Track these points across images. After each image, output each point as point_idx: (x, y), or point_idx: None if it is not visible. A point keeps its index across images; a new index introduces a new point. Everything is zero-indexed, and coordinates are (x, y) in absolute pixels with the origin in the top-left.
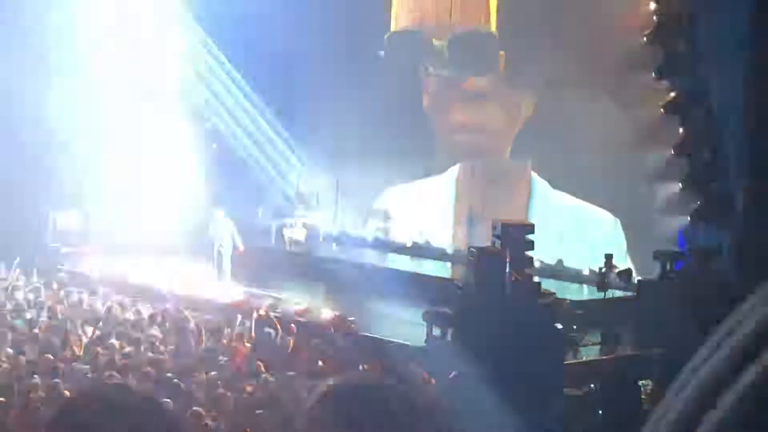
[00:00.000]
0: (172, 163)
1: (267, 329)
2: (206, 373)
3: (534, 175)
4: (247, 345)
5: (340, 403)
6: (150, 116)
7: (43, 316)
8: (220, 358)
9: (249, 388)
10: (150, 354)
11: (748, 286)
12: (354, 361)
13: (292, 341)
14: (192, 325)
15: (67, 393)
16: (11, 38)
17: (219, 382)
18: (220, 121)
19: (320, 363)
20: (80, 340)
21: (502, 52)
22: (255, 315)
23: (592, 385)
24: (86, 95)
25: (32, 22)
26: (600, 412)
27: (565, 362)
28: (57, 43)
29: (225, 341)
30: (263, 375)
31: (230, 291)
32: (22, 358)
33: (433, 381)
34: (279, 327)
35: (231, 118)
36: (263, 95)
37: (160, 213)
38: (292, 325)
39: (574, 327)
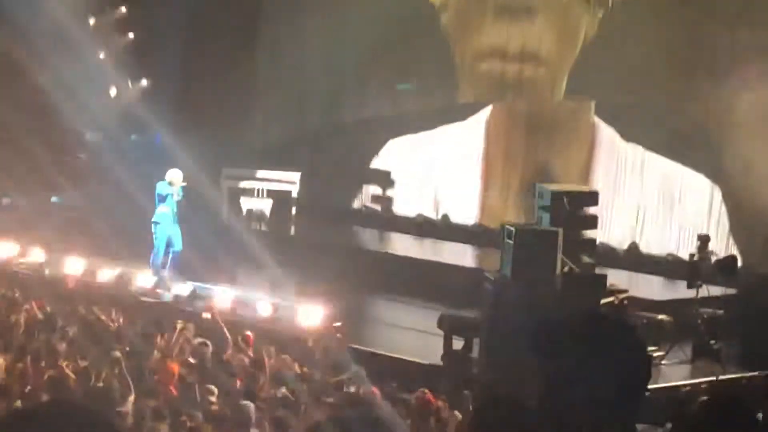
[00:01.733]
0: None
1: (212, 339)
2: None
3: (598, 122)
4: (186, 361)
5: None
6: None
7: None
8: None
9: (188, 422)
10: (51, 371)
11: None
12: (338, 386)
13: (248, 357)
14: (112, 331)
15: None
16: None
17: (146, 412)
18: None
19: (283, 390)
20: None
21: None
22: (195, 318)
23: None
24: None
25: None
26: None
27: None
28: None
29: (155, 355)
30: (209, 403)
31: (167, 285)
32: None
33: (456, 414)
34: (229, 337)
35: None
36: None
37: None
38: (249, 333)
39: (652, 338)
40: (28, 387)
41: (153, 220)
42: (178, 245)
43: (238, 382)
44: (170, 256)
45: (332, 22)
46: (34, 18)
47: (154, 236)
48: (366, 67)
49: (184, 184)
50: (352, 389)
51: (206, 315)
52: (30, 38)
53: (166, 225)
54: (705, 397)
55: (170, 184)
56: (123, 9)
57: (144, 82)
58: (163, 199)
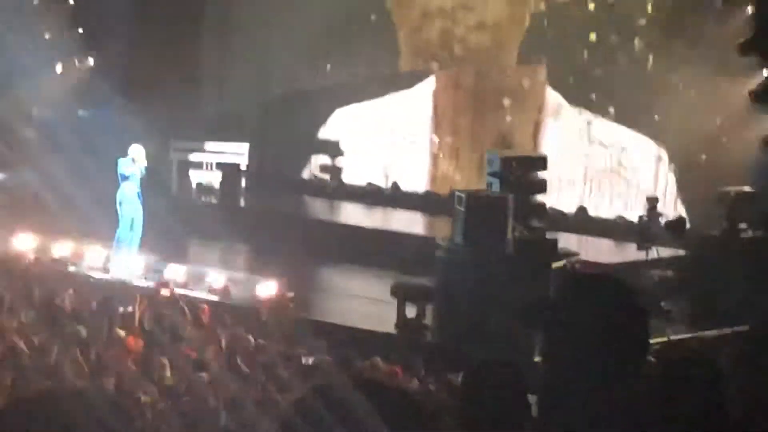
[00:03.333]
0: None
1: (169, 314)
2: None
3: (548, 88)
4: (141, 336)
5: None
6: None
7: None
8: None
9: (144, 397)
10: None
11: None
12: (292, 356)
13: (203, 330)
14: (66, 309)
15: None
16: None
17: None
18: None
19: (239, 360)
20: None
21: None
22: (151, 294)
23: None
24: None
25: None
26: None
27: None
28: None
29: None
30: (165, 378)
31: (121, 260)
32: None
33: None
34: (186, 310)
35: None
36: None
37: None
38: (205, 306)
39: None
40: None
41: (118, 198)
42: (139, 222)
43: (194, 355)
44: (134, 233)
45: None
46: None
47: (119, 214)
48: (311, 38)
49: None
50: (309, 361)
51: (164, 291)
52: None
53: (131, 203)
54: (658, 357)
55: (133, 161)
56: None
57: (90, 59)
58: (125, 177)
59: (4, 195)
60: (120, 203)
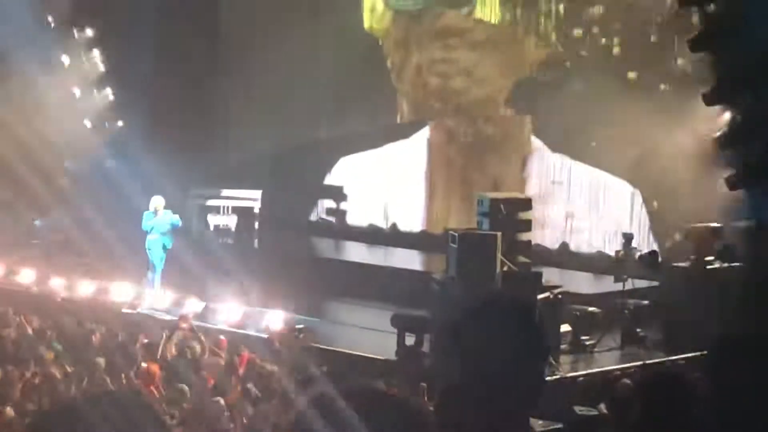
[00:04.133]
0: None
1: (189, 345)
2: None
3: (531, 136)
4: (163, 365)
5: None
6: None
7: None
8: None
9: (169, 420)
10: (39, 379)
11: None
12: (302, 380)
13: (221, 359)
14: (95, 341)
15: None
16: None
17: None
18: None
19: (251, 387)
20: None
21: None
22: (173, 327)
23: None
24: None
25: None
26: None
27: (575, 373)
28: None
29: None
30: (184, 404)
31: (145, 296)
32: None
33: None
34: (203, 341)
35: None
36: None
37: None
38: (222, 338)
39: (585, 328)
40: (19, 391)
41: (146, 246)
42: (160, 266)
43: (211, 382)
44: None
45: (287, 54)
46: (21, 52)
47: (149, 259)
48: (317, 93)
49: (167, 211)
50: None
51: (184, 324)
52: (17, 73)
53: (156, 249)
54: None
55: (155, 211)
56: (95, 52)
57: (118, 119)
58: (150, 228)
59: (41, 239)
60: (148, 250)
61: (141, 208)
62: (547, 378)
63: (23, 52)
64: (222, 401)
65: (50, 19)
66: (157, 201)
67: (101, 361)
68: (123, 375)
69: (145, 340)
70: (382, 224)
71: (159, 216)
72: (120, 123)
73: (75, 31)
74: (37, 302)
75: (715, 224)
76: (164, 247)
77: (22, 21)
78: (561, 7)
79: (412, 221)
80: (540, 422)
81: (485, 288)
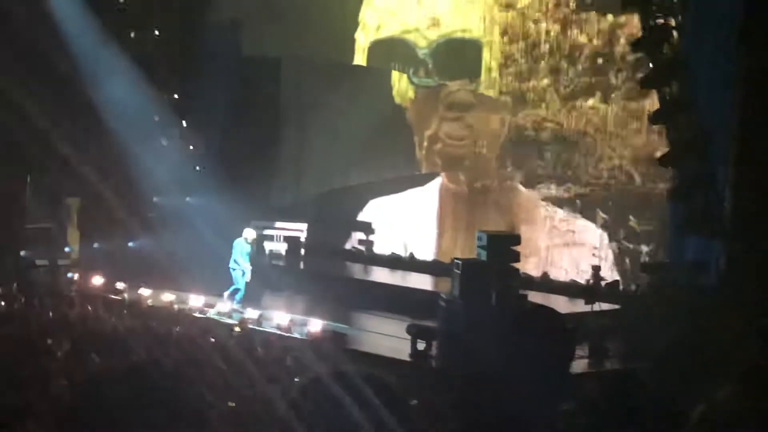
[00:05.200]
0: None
1: (247, 344)
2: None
3: (520, 186)
4: (226, 360)
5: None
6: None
7: (17, 330)
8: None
9: (231, 403)
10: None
11: (736, 297)
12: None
13: (269, 355)
14: (173, 338)
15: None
16: None
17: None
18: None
19: (296, 380)
20: (57, 352)
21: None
22: (233, 330)
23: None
24: None
25: None
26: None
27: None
28: None
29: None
30: (244, 390)
31: (212, 304)
32: None
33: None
34: (256, 342)
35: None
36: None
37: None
38: (272, 339)
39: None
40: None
41: (231, 266)
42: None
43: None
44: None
45: (331, 117)
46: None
47: (234, 279)
48: (353, 149)
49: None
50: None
51: (242, 327)
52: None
53: (239, 271)
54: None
55: (246, 240)
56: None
57: (197, 166)
58: (240, 253)
59: (132, 258)
60: (233, 270)
61: (212, 235)
62: None
63: (126, 112)
64: (274, 388)
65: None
66: (249, 232)
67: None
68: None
69: (212, 339)
70: (402, 253)
71: (248, 244)
72: (198, 168)
73: (164, 95)
74: (128, 307)
75: (665, 261)
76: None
77: (126, 87)
78: (545, 81)
79: (426, 251)
80: None
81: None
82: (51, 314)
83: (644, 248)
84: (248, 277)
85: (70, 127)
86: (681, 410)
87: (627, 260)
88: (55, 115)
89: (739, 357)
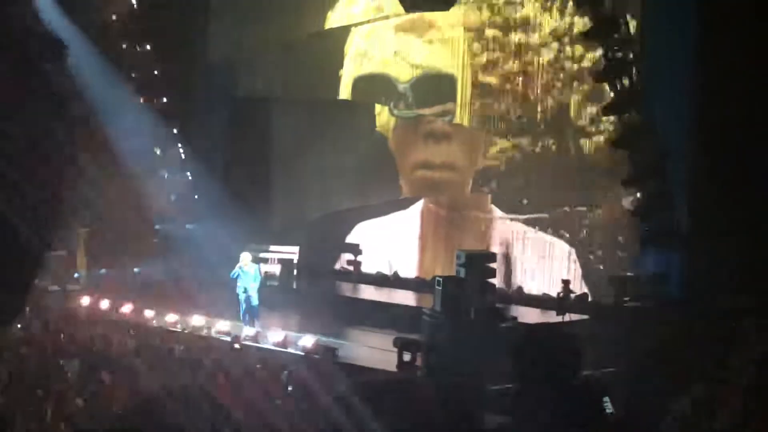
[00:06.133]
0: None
1: (245, 360)
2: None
3: (494, 207)
4: (226, 376)
5: None
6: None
7: (34, 351)
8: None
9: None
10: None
11: (696, 306)
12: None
13: (267, 371)
14: (176, 356)
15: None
16: None
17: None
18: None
19: (289, 389)
20: (68, 373)
21: (465, 94)
22: (231, 346)
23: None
24: None
25: None
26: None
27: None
28: None
29: (205, 372)
30: (243, 403)
31: (212, 324)
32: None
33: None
34: (254, 359)
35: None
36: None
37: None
38: (267, 354)
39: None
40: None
41: (238, 291)
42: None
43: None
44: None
45: (319, 147)
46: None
47: (240, 300)
48: (341, 176)
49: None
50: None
51: (236, 345)
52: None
53: (242, 292)
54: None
55: (242, 266)
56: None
57: (195, 194)
58: (238, 276)
59: (138, 283)
60: (238, 294)
61: (212, 259)
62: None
63: (132, 147)
64: (273, 403)
65: (148, 120)
66: (244, 256)
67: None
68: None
69: (212, 357)
70: (388, 272)
71: (246, 268)
72: (196, 197)
73: (165, 129)
74: (134, 327)
75: (630, 274)
76: (245, 291)
77: (132, 124)
78: (515, 109)
79: (409, 269)
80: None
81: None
82: (63, 336)
83: (610, 263)
84: (253, 299)
85: (82, 161)
86: (649, 413)
87: (594, 274)
88: (69, 151)
89: (701, 364)
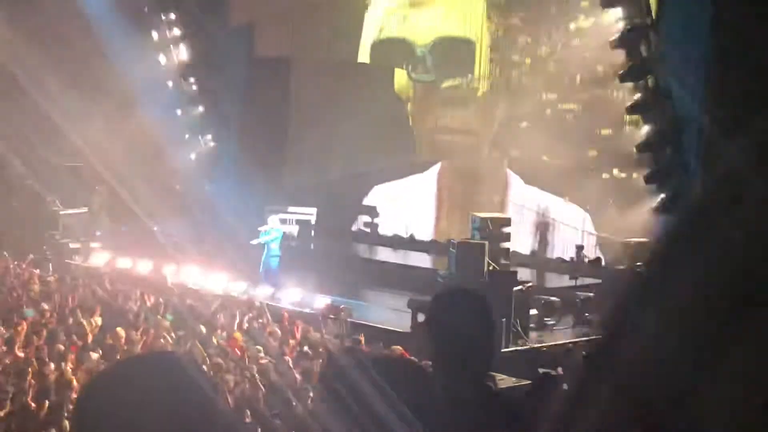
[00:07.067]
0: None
1: (260, 319)
2: (210, 358)
3: (509, 172)
4: (242, 332)
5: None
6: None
7: (55, 308)
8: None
9: (247, 373)
10: (160, 341)
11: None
12: (339, 344)
13: (282, 327)
14: (195, 313)
15: (74, 379)
16: None
17: (223, 367)
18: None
19: (306, 348)
20: (89, 329)
21: (481, 58)
22: (249, 304)
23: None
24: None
25: None
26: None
27: (540, 345)
28: None
29: (220, 330)
30: (261, 359)
31: (228, 282)
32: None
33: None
34: (268, 316)
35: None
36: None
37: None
38: (285, 313)
39: (548, 312)
40: (141, 349)
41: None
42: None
43: (277, 345)
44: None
45: (339, 110)
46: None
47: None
48: (359, 139)
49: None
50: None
51: (257, 303)
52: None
53: (271, 254)
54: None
55: (270, 228)
56: (200, 107)
57: (212, 145)
58: (267, 238)
59: (157, 240)
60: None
61: (231, 219)
62: (520, 348)
63: (155, 109)
64: (288, 359)
65: (170, 83)
66: (273, 219)
67: (202, 328)
68: (215, 339)
69: (230, 314)
70: (404, 234)
71: (271, 232)
72: (216, 157)
73: (187, 95)
74: (153, 285)
75: (643, 239)
76: (268, 251)
77: (154, 85)
78: (532, 76)
79: (425, 232)
80: (513, 379)
81: (476, 282)
82: (82, 291)
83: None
84: (274, 261)
85: (103, 121)
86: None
87: (608, 240)
88: (90, 110)
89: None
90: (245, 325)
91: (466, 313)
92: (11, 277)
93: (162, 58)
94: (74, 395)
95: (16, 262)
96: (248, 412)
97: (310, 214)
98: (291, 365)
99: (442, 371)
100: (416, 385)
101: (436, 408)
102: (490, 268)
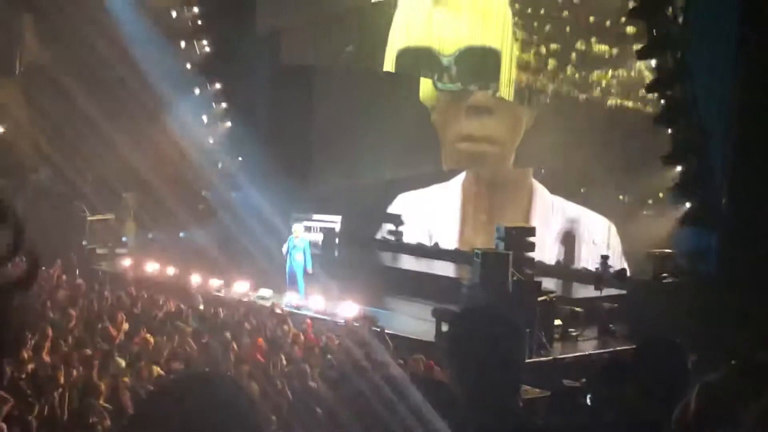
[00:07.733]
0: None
1: (285, 326)
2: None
3: (534, 181)
4: (267, 338)
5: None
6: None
7: (81, 313)
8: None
9: (274, 381)
10: (186, 348)
11: (733, 285)
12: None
13: (305, 335)
14: (219, 320)
15: (101, 384)
16: None
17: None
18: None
19: (329, 357)
20: (115, 335)
21: (508, 68)
22: (272, 311)
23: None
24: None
25: None
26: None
27: (564, 356)
28: None
29: (245, 337)
30: (284, 366)
31: (253, 289)
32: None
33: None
34: (290, 323)
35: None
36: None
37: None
38: (309, 321)
39: (572, 323)
40: (165, 355)
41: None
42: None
43: (300, 353)
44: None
45: (363, 118)
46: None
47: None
48: (384, 148)
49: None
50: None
51: (277, 310)
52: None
53: (296, 263)
54: (606, 361)
55: (295, 236)
56: (226, 123)
57: (242, 163)
58: (292, 247)
59: (183, 247)
60: (289, 263)
61: (256, 227)
62: (544, 358)
63: (182, 116)
64: (307, 367)
65: (197, 91)
66: (297, 227)
67: (227, 334)
68: (238, 346)
69: (254, 321)
70: (428, 243)
71: (297, 241)
72: (241, 165)
73: (213, 103)
74: (178, 291)
75: (668, 251)
76: (293, 261)
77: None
78: (558, 85)
79: (449, 241)
80: (537, 390)
81: (500, 292)
82: (109, 297)
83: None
84: (299, 271)
85: (130, 128)
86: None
87: (633, 250)
88: (116, 117)
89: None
90: (269, 333)
91: (491, 336)
92: (39, 283)
93: (189, 66)
94: (101, 401)
95: (43, 268)
96: (273, 419)
97: (334, 221)
98: (314, 374)
99: (467, 391)
100: (441, 404)
101: (461, 426)
102: (515, 278)
